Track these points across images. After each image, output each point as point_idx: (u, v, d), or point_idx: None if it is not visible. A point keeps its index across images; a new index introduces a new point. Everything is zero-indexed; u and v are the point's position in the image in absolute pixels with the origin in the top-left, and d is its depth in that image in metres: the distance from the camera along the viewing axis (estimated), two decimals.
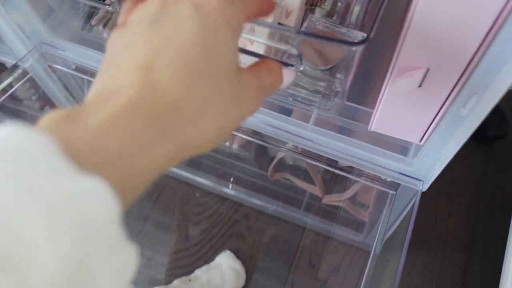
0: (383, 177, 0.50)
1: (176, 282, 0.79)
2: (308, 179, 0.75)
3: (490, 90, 0.37)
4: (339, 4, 0.44)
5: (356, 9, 0.43)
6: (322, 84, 0.44)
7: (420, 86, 0.39)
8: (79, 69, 0.62)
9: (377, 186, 0.51)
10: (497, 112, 0.92)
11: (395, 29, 0.50)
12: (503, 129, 1.14)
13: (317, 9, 0.44)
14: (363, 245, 0.74)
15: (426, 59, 0.37)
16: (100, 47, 0.59)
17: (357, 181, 0.65)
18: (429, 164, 0.46)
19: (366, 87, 0.55)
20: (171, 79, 0.21)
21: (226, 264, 0.95)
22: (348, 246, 0.74)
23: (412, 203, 0.51)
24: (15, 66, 0.57)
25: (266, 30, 0.40)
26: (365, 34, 0.39)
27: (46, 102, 0.85)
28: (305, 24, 0.41)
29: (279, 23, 0.41)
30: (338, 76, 0.42)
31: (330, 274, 0.75)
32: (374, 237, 0.59)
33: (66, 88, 0.65)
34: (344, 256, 0.74)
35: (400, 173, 0.49)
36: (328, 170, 0.64)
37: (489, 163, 1.14)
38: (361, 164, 0.51)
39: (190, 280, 0.81)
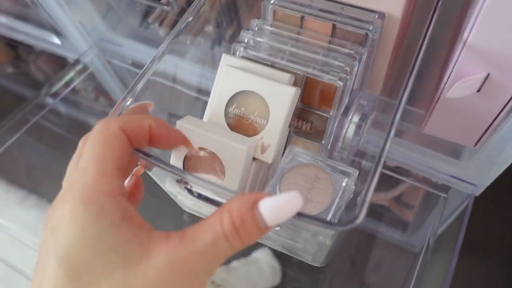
0: (433, 179, 0.50)
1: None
2: None
3: None
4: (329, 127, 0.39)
5: (349, 136, 0.38)
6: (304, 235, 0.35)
7: (478, 91, 0.39)
8: (135, 64, 0.64)
9: (427, 189, 0.51)
10: None
11: (447, 30, 0.49)
12: None
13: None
14: (406, 245, 0.73)
15: (487, 64, 0.36)
16: (155, 44, 0.62)
17: (403, 181, 0.64)
18: (484, 169, 0.45)
19: (415, 86, 0.55)
20: None
21: (264, 260, 0.96)
22: (391, 245, 0.74)
23: (463, 206, 0.51)
24: (77, 61, 0.60)
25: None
26: (357, 171, 0.34)
27: (101, 93, 0.89)
28: (286, 159, 0.36)
29: (254, 158, 0.35)
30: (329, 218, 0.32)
31: (371, 272, 0.75)
32: (418, 238, 0.58)
33: (122, 81, 0.68)
34: (387, 254, 0.74)
35: (452, 176, 0.49)
36: None
37: None
38: (410, 165, 0.51)
39: (228, 270, 0.83)
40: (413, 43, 0.50)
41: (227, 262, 0.84)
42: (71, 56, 0.67)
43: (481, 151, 0.45)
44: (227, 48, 0.57)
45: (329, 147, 0.39)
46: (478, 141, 0.45)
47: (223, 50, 0.57)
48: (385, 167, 0.54)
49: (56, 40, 0.67)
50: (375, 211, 0.78)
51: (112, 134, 0.24)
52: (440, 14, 0.38)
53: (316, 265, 0.37)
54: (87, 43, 0.63)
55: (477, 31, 0.33)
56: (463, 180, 0.48)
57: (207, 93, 0.53)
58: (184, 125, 0.34)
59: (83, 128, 0.71)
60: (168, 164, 0.27)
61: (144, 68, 0.34)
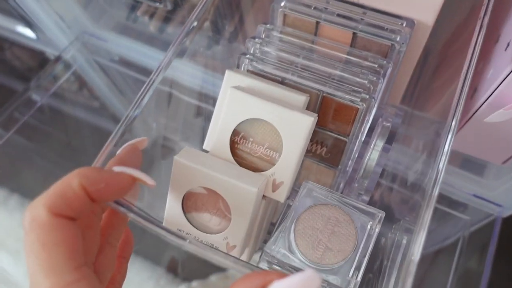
0: (453, 197, 0.46)
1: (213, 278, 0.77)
2: None
3: None
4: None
5: (371, 163, 0.34)
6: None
7: None
8: (123, 61, 0.58)
9: (448, 210, 0.46)
10: None
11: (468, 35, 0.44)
12: None
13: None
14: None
15: None
16: (145, 39, 0.55)
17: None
18: None
19: (428, 92, 0.50)
20: None
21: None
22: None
23: (482, 223, 0.47)
24: (58, 58, 0.54)
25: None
26: (383, 212, 0.29)
27: (84, 84, 0.83)
28: (300, 196, 0.30)
29: (264, 196, 0.30)
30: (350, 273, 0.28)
31: None
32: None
33: (109, 78, 0.62)
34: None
35: (475, 195, 0.44)
36: None
37: None
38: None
39: (207, 285, 0.79)
40: (433, 46, 0.45)
41: (205, 276, 0.80)
42: (49, 52, 0.60)
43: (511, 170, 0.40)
44: (227, 47, 0.51)
45: (347, 176, 0.34)
46: (508, 160, 0.41)
47: (223, 49, 0.51)
48: (400, 184, 0.49)
49: (30, 34, 0.59)
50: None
51: (46, 228, 0.20)
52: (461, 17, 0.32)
53: None
54: (67, 37, 0.57)
55: None
56: (487, 200, 0.44)
57: (206, 98, 0.48)
58: (182, 162, 0.28)
59: (65, 122, 0.65)
60: (166, 229, 0.22)
61: (147, 81, 0.29)
